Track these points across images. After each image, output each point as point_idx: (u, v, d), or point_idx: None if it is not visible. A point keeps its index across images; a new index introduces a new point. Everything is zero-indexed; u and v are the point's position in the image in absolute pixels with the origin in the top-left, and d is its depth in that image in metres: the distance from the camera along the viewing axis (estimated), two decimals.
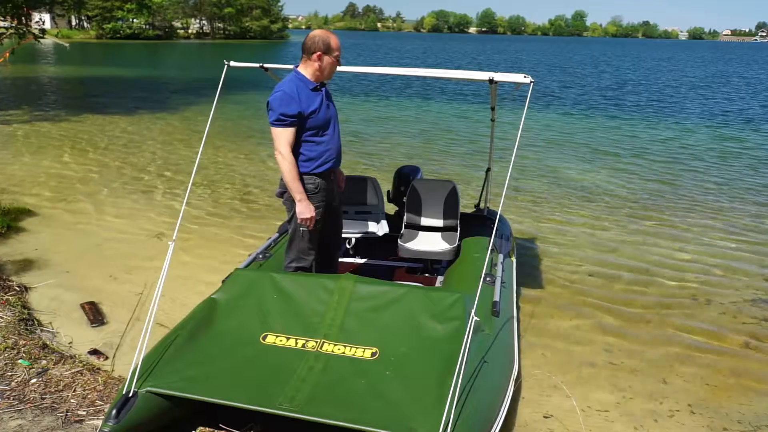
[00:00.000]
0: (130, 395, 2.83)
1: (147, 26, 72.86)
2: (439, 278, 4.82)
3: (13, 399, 3.26)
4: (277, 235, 4.80)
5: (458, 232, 4.88)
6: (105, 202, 7.69)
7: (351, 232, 4.89)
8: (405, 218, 5.01)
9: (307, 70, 3.67)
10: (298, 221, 3.69)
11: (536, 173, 9.81)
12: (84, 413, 3.17)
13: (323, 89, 3.73)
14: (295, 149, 3.63)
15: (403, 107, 17.99)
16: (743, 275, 5.88)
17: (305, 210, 3.66)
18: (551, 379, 3.97)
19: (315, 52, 3.61)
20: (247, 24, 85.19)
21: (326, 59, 3.63)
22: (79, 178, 8.81)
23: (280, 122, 3.55)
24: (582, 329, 4.72)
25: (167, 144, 11.65)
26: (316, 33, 3.68)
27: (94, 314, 4.54)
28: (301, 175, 3.67)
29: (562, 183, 9.27)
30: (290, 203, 3.76)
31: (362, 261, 5.16)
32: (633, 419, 3.59)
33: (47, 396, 3.31)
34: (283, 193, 3.79)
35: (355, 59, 40.72)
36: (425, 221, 4.97)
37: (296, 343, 3.20)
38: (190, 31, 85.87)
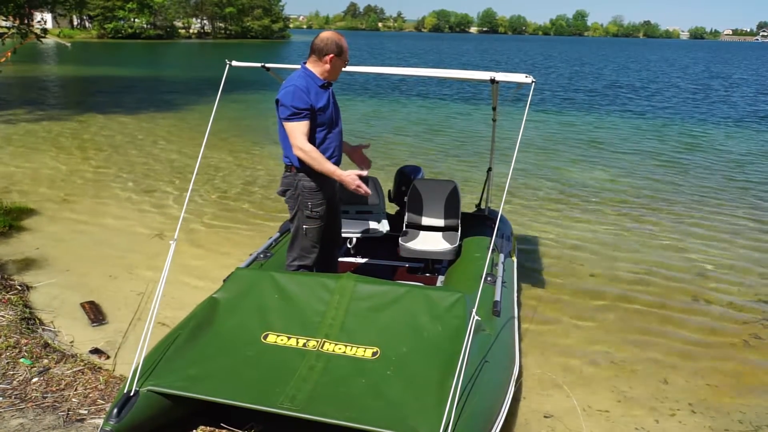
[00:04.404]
0: (132, 394, 2.83)
1: (148, 26, 72.89)
2: (440, 278, 4.82)
3: (15, 398, 3.27)
4: (278, 234, 4.81)
5: (459, 231, 4.88)
6: (106, 201, 7.70)
7: (352, 232, 4.89)
8: (406, 218, 5.01)
9: (316, 69, 3.68)
10: (363, 193, 3.66)
11: (537, 173, 9.80)
12: (85, 412, 3.18)
13: (330, 88, 3.76)
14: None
15: (403, 107, 17.99)
16: (744, 275, 5.87)
17: (350, 180, 3.62)
18: (552, 379, 3.98)
19: (328, 54, 3.61)
20: (248, 24, 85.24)
21: (337, 62, 3.66)
22: (80, 178, 8.82)
23: (295, 116, 3.54)
24: (583, 329, 4.72)
25: (169, 143, 11.66)
26: (329, 35, 3.68)
27: (95, 313, 4.54)
28: (307, 171, 3.66)
29: (563, 183, 9.27)
30: (293, 202, 3.77)
31: (363, 260, 5.16)
32: (634, 419, 3.59)
33: (49, 395, 3.32)
34: (285, 191, 3.79)
35: (351, 60, 40.67)
36: (426, 221, 4.97)
37: (297, 343, 3.20)
38: (191, 30, 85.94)
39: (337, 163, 3.85)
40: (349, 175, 3.63)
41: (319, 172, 3.62)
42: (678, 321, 4.91)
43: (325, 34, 3.69)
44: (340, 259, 4.93)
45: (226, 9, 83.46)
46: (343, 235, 4.56)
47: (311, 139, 3.64)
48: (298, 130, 3.55)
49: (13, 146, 10.92)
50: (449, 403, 2.61)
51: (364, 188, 3.66)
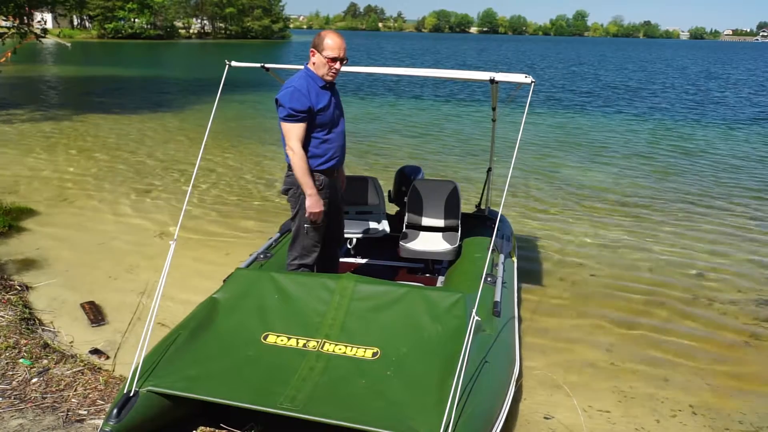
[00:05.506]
0: (131, 395, 2.82)
1: (148, 26, 72.90)
2: (440, 278, 4.81)
3: (14, 398, 3.27)
4: (278, 234, 4.80)
5: (459, 232, 4.88)
6: (106, 201, 7.69)
7: (352, 232, 4.89)
8: (406, 218, 5.01)
9: (312, 67, 3.72)
10: (307, 215, 3.70)
11: (537, 173, 9.80)
12: (85, 413, 3.17)
13: (332, 88, 3.77)
14: (303, 146, 3.65)
15: (399, 108, 17.97)
16: (744, 275, 5.87)
17: (315, 204, 3.66)
18: (552, 379, 3.97)
19: (311, 48, 3.69)
20: (248, 24, 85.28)
21: (317, 56, 3.66)
22: (80, 178, 8.82)
23: (291, 117, 3.57)
24: (583, 329, 4.71)
25: (168, 144, 11.66)
26: (321, 32, 3.74)
27: (95, 314, 4.54)
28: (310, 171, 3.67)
29: (563, 183, 9.27)
30: (295, 200, 3.77)
31: (363, 261, 5.16)
32: (634, 419, 3.59)
33: (48, 395, 3.32)
34: (288, 190, 3.80)
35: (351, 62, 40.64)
36: (426, 221, 4.96)
37: (297, 343, 3.20)
38: (191, 30, 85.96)
39: (340, 162, 3.87)
40: (314, 201, 3.65)
41: (299, 177, 3.63)
42: (678, 321, 4.90)
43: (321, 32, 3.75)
44: (341, 260, 4.92)
45: (226, 9, 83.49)
46: (344, 235, 4.56)
47: (312, 138, 3.65)
48: (292, 132, 3.59)
49: (13, 146, 10.92)
50: (449, 403, 2.61)
51: (317, 221, 3.70)
